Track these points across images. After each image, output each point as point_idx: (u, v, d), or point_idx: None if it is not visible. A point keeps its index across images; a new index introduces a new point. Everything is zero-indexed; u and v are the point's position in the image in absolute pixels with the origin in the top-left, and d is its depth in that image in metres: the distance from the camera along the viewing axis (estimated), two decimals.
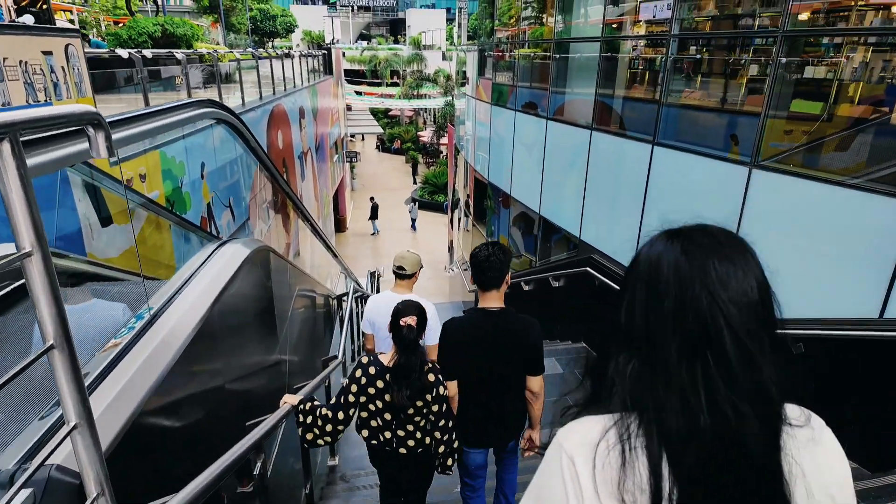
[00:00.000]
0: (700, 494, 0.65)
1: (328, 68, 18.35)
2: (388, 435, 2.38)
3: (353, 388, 2.31)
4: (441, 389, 2.34)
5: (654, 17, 5.41)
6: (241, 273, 2.53)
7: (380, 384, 2.30)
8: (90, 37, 11.84)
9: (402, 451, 2.39)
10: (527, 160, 8.02)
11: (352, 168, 26.39)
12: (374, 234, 20.94)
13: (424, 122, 37.72)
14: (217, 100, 4.00)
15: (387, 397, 2.30)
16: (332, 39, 31.03)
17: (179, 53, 7.23)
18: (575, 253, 6.74)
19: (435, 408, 2.34)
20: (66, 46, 4.58)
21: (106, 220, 3.12)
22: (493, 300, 2.39)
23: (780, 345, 0.70)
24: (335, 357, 4.18)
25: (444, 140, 28.98)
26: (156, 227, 3.23)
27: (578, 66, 6.85)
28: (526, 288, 7.78)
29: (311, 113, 14.14)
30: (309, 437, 2.32)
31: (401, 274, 3.11)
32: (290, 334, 3.91)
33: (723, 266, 0.69)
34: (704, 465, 0.65)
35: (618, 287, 0.81)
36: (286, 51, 13.13)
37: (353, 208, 23.91)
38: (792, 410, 0.72)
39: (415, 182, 27.76)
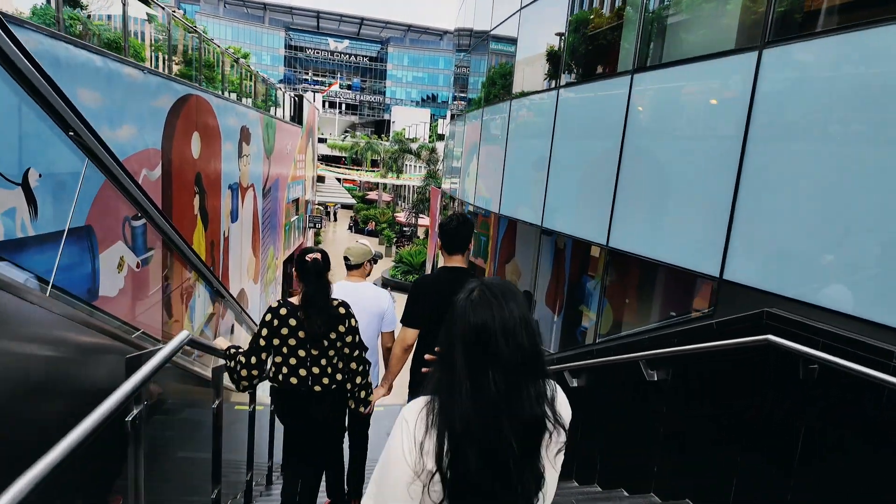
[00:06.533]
0: (469, 454, 1.01)
1: (297, 117, 15.85)
2: (303, 373, 2.43)
3: (264, 331, 2.39)
4: (353, 321, 2.51)
5: None
6: None
7: (292, 322, 2.39)
8: None
9: (317, 388, 2.44)
10: (582, 167, 4.91)
11: (317, 241, 23.14)
12: None
13: (403, 210, 35.55)
14: None
15: (300, 333, 2.39)
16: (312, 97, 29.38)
17: None
18: (683, 314, 3.36)
19: (349, 339, 2.48)
20: None
21: None
22: (458, 261, 2.67)
23: (539, 365, 1.06)
24: None
25: (422, 220, 26.43)
26: None
27: None
28: (574, 383, 4.26)
29: (262, 145, 11.15)
30: (234, 379, 2.48)
31: (347, 264, 3.31)
32: None
33: (495, 309, 1.05)
34: (471, 435, 1.01)
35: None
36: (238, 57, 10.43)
37: None
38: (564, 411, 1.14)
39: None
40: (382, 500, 1.09)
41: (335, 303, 2.50)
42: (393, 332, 3.41)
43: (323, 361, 2.45)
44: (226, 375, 2.74)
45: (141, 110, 5.57)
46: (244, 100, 10.47)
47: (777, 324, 2.66)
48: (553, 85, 5.40)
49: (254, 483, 3.96)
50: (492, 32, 7.95)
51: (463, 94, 11.04)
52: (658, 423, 3.41)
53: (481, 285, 1.10)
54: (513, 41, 6.85)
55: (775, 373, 2.59)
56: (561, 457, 1.13)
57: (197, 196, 7.33)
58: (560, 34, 5.43)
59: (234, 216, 9.20)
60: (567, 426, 1.12)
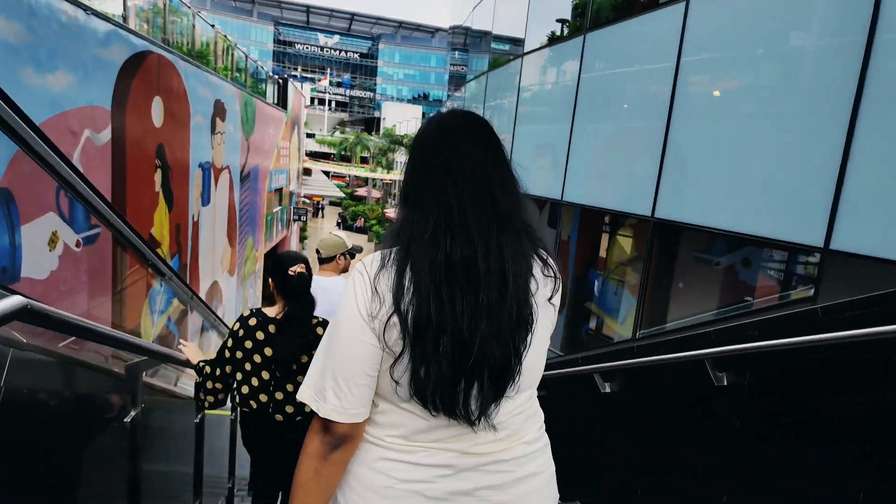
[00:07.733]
0: (435, 292, 0.88)
1: (281, 101, 14.92)
2: (264, 398, 2.10)
3: (230, 342, 2.10)
4: None
5: None
6: None
7: (259, 336, 2.07)
8: None
9: (279, 417, 2.12)
10: (613, 125, 4.11)
11: (303, 237, 22.20)
12: None
13: (392, 206, 34.64)
14: None
15: (267, 351, 2.07)
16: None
17: None
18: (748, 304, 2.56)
19: None
20: None
21: None
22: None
23: (514, 197, 0.96)
24: None
25: None
26: None
27: None
28: (607, 389, 3.45)
29: (241, 125, 10.24)
30: (202, 396, 2.17)
31: (318, 258, 3.15)
32: None
33: (463, 140, 0.96)
34: (445, 272, 0.88)
35: None
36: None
37: None
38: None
39: None
40: (332, 374, 0.94)
41: (316, 321, 2.20)
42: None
43: (289, 387, 2.14)
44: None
45: (83, 58, 4.66)
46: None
47: None
48: (578, 27, 4.59)
49: None
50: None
51: (458, 96, 10.25)
52: (729, 442, 2.61)
53: (455, 117, 1.03)
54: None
55: None
56: (558, 298, 1.04)
57: (159, 171, 6.41)
58: None
59: (205, 199, 8.28)
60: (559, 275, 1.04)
